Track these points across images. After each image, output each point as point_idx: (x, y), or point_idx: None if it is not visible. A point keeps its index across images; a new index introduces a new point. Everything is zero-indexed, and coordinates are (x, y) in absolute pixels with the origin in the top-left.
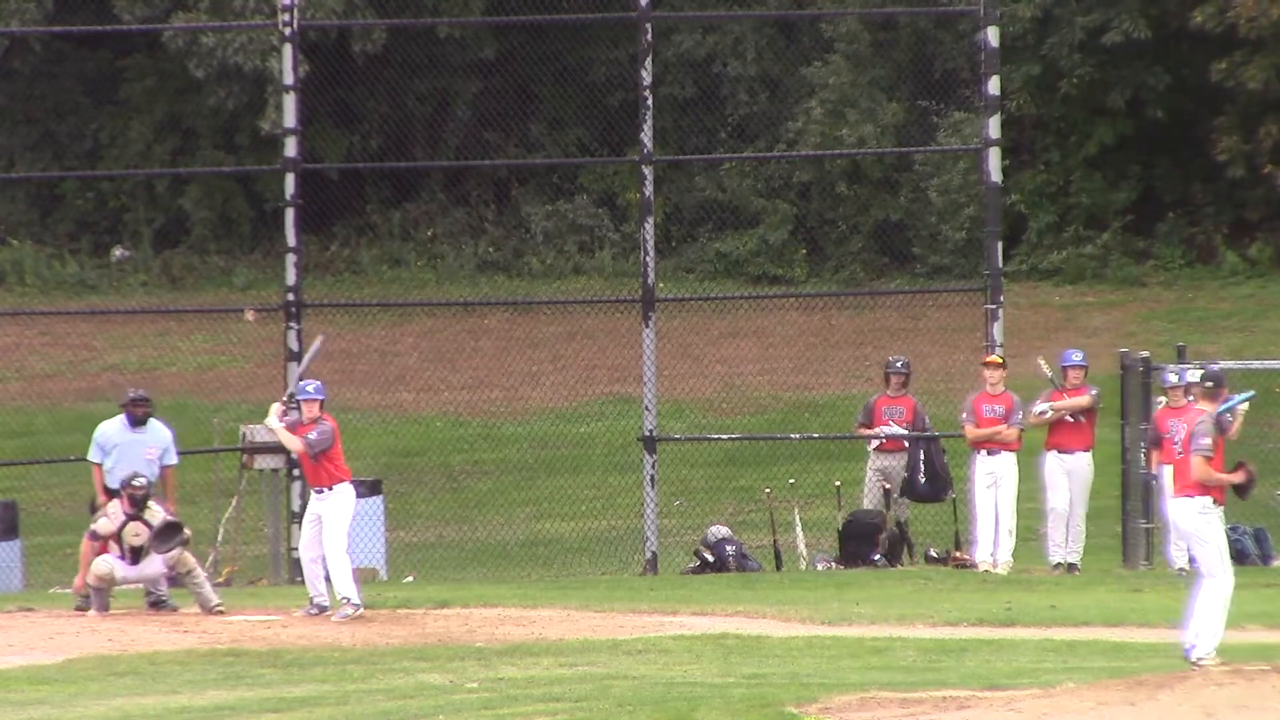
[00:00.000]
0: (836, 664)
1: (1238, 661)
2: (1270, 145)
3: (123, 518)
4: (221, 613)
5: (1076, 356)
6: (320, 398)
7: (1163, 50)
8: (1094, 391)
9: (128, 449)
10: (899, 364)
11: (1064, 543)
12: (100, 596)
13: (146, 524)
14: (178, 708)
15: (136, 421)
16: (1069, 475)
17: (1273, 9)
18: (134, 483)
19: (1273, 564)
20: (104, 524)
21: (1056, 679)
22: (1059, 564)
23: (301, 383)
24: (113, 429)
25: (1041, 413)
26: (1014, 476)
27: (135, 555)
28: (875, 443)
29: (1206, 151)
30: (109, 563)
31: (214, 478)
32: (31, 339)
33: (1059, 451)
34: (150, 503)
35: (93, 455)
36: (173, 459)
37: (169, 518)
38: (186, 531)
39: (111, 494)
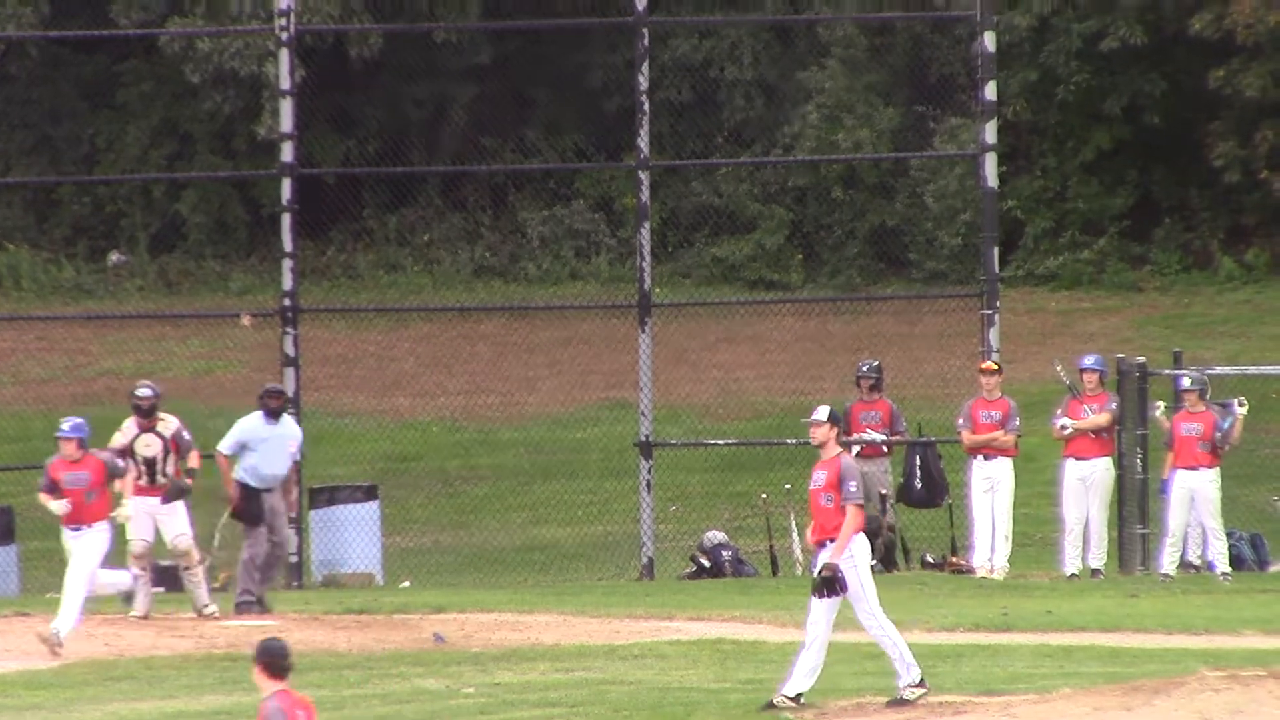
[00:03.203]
0: (831, 669)
1: (1233, 667)
2: (1266, 151)
3: (135, 431)
4: (213, 616)
5: (1090, 360)
6: (77, 436)
7: (1159, 57)
8: (1113, 406)
9: (273, 444)
10: (865, 368)
11: (1078, 552)
12: (145, 580)
13: (159, 435)
14: (174, 712)
15: (271, 414)
16: (1085, 482)
17: (1270, 16)
18: (138, 393)
19: (1269, 569)
20: (117, 438)
21: (1053, 684)
22: (1074, 574)
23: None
24: (256, 425)
25: (1063, 428)
26: (1011, 481)
27: (151, 470)
28: (854, 449)
29: (1203, 157)
30: (143, 541)
31: (211, 483)
32: (28, 344)
33: (1076, 459)
34: (161, 414)
35: (227, 447)
36: (298, 456)
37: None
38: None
39: (248, 488)
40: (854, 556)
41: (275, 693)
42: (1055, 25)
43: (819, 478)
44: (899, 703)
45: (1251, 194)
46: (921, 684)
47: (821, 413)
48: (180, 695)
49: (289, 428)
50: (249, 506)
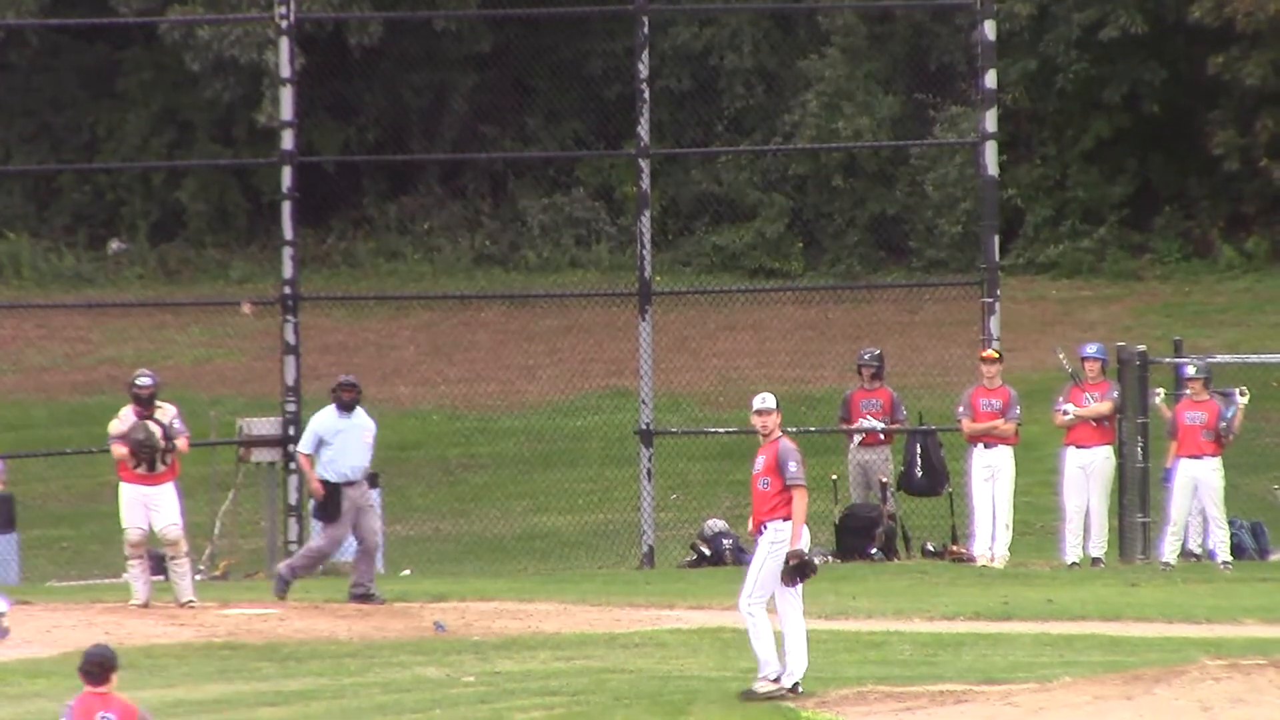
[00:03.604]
0: (833, 658)
1: (1234, 655)
2: (1266, 139)
3: (132, 419)
4: (192, 608)
5: (1093, 349)
6: None
7: (1159, 45)
8: (1115, 394)
9: (348, 435)
10: (867, 356)
11: (1078, 541)
12: (143, 569)
13: (158, 422)
14: (174, 701)
15: (344, 407)
16: (1085, 471)
17: (1270, 4)
18: (138, 382)
19: (1270, 558)
20: (115, 425)
21: (1053, 673)
22: (1074, 562)
23: None
24: (329, 419)
25: (1064, 412)
26: (1011, 470)
27: (150, 460)
28: (855, 437)
29: (1203, 145)
30: (139, 529)
31: (211, 471)
32: (28, 332)
33: (1077, 447)
34: (159, 402)
35: (306, 445)
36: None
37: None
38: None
39: (327, 484)
40: (775, 543)
41: (80, 694)
42: (1055, 13)
43: (759, 462)
44: (748, 694)
45: (1251, 182)
46: (777, 680)
47: (770, 401)
48: (180, 684)
49: (363, 419)
50: (327, 503)
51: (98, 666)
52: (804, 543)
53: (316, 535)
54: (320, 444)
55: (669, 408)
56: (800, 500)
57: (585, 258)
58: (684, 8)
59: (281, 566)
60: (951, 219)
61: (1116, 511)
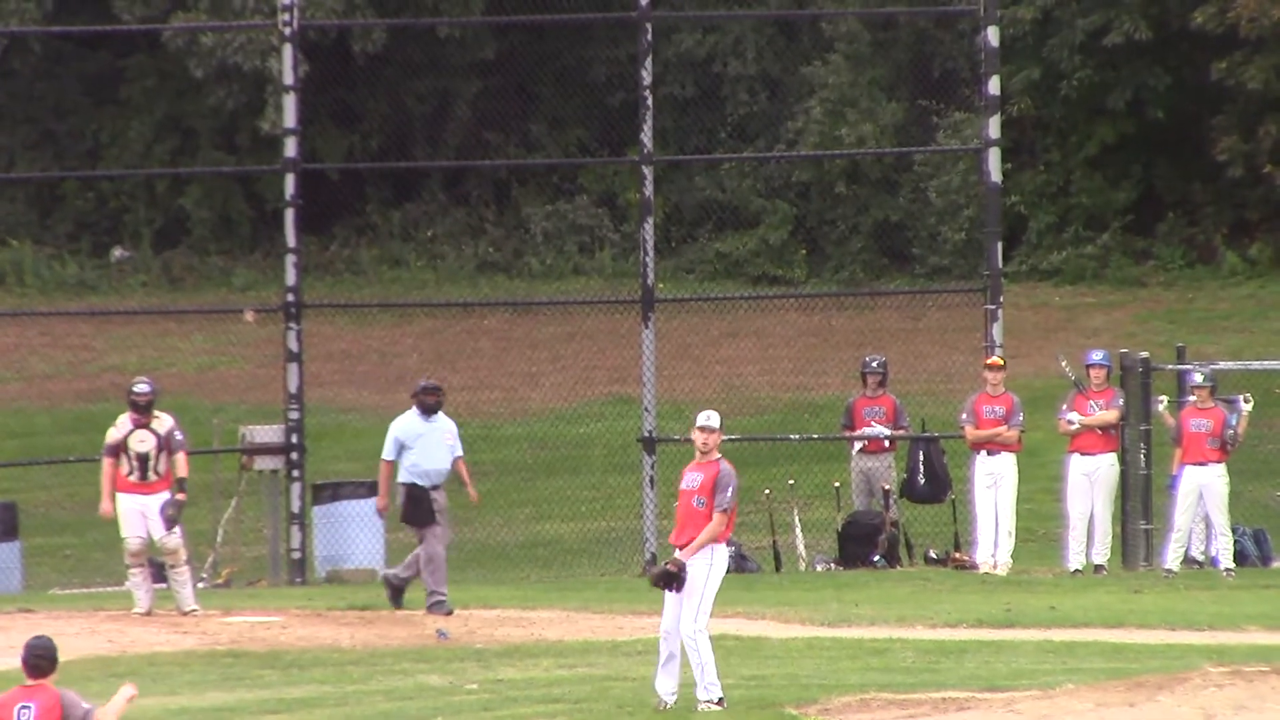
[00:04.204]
0: (836, 665)
1: (1237, 662)
2: (1270, 145)
3: (129, 426)
4: (194, 616)
5: (1098, 356)
6: None
7: (1163, 50)
8: (1120, 402)
9: (430, 438)
10: (874, 363)
11: (1081, 548)
12: (144, 577)
13: (154, 432)
14: (177, 709)
15: (428, 411)
16: (1090, 478)
17: (1273, 9)
18: (136, 389)
19: (1272, 565)
20: (112, 433)
21: (1056, 680)
22: (1077, 569)
23: None
24: (411, 423)
25: (1070, 422)
26: (1014, 477)
27: (143, 466)
28: (858, 444)
29: (1206, 151)
30: (139, 538)
31: (213, 479)
32: (31, 339)
33: (1081, 454)
34: (157, 412)
35: (388, 452)
36: (460, 450)
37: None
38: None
39: (415, 488)
40: (713, 565)
41: (16, 688)
42: (1058, 19)
43: (694, 479)
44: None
45: (1255, 188)
46: (720, 703)
47: (715, 419)
48: (183, 692)
49: (444, 421)
50: (417, 508)
51: (37, 659)
52: (696, 564)
53: (425, 543)
54: (401, 449)
55: (672, 415)
56: (718, 524)
57: (588, 265)
58: (687, 14)
59: (431, 601)
60: (955, 226)
61: (1119, 518)
